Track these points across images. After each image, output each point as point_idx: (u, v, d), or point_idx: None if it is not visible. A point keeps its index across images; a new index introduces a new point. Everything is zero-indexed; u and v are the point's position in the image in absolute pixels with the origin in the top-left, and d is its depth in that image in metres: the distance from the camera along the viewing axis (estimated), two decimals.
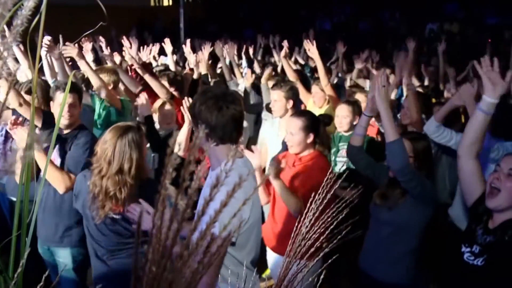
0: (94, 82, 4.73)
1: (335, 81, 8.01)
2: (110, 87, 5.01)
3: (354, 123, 4.55)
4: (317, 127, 3.70)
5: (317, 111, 5.53)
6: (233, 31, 18.04)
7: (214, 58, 9.44)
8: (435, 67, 9.91)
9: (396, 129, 3.16)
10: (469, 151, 2.67)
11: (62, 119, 3.58)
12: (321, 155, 3.73)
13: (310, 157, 3.65)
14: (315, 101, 5.79)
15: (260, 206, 2.50)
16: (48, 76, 4.98)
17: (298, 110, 4.67)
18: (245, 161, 2.46)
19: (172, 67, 7.31)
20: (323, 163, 3.65)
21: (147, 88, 5.28)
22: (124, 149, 2.90)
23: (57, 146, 3.64)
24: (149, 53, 8.13)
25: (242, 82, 6.67)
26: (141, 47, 10.75)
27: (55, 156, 3.64)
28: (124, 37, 6.80)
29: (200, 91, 2.62)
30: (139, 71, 5.34)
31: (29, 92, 4.20)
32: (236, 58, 8.27)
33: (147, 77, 5.18)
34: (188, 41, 7.63)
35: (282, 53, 6.69)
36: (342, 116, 4.64)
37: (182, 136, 3.95)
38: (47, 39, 4.58)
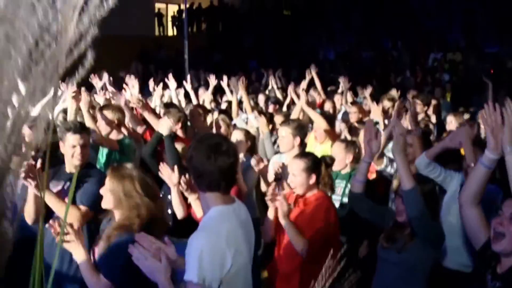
0: (88, 124, 4.80)
1: (340, 116, 8.04)
2: (114, 124, 5.05)
3: (348, 161, 4.54)
4: (319, 168, 3.73)
5: (319, 147, 5.54)
6: (237, 61, 18.22)
7: (217, 90, 9.54)
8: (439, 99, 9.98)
9: (412, 177, 3.20)
10: (470, 200, 2.71)
11: (74, 160, 3.64)
12: (325, 196, 3.76)
13: (314, 198, 3.67)
14: (316, 137, 5.78)
15: (248, 251, 2.48)
16: None
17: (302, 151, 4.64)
18: (235, 209, 2.46)
19: (176, 103, 7.35)
20: (327, 204, 3.68)
21: (150, 127, 5.31)
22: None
23: (67, 185, 3.66)
24: (153, 90, 8.19)
25: (252, 118, 6.62)
26: (145, 79, 10.91)
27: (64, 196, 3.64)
28: (128, 76, 6.81)
29: (197, 138, 2.67)
30: (140, 109, 5.39)
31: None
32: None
33: (147, 116, 5.22)
34: (188, 77, 7.71)
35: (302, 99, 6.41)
36: (336, 154, 4.60)
37: (175, 200, 3.91)
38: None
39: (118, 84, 8.83)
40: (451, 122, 6.19)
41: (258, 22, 20.43)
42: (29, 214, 3.46)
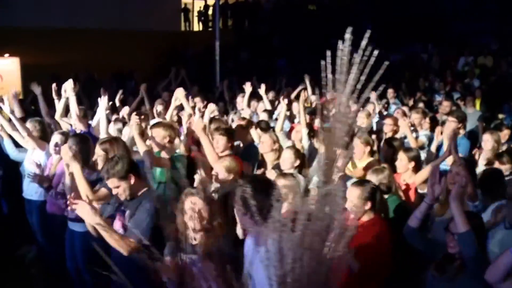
0: (141, 149, 4.94)
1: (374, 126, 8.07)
2: (166, 140, 5.16)
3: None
4: (375, 195, 3.96)
5: (358, 164, 5.58)
6: (265, 59, 18.21)
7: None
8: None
9: (467, 221, 3.31)
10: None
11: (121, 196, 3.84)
12: (381, 220, 4.00)
13: (370, 223, 3.90)
14: (354, 153, 5.78)
15: None
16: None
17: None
18: None
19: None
20: (381, 228, 3.90)
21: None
22: None
23: (123, 213, 3.82)
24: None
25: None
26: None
27: (118, 227, 3.82)
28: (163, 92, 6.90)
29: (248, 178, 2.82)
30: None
31: None
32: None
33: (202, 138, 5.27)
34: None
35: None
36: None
37: None
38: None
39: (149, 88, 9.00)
40: (488, 141, 6.04)
41: (284, 18, 20.32)
42: None
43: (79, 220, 4.81)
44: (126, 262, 3.69)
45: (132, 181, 3.77)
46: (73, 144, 4.80)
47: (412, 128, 7.25)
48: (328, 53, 1.55)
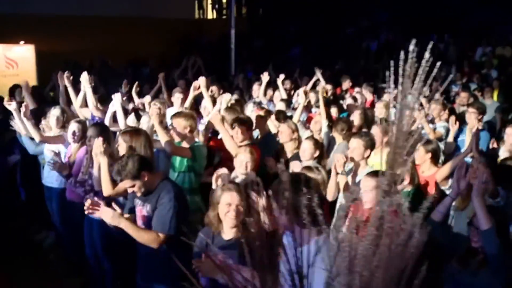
0: (162, 139, 4.97)
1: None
2: (187, 130, 5.17)
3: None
4: None
5: (374, 156, 5.53)
6: (279, 48, 18.11)
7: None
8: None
9: (490, 218, 3.31)
10: None
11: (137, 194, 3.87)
12: (395, 212, 3.84)
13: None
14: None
15: None
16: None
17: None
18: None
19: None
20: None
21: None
22: None
23: (144, 207, 3.86)
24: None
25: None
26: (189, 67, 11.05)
27: (141, 220, 3.87)
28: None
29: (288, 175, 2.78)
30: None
31: None
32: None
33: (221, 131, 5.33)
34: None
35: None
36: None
37: None
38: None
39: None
40: (510, 135, 5.91)
41: (299, 7, 20.18)
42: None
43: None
44: (154, 254, 3.73)
45: (146, 178, 3.79)
46: (93, 134, 4.83)
47: (429, 119, 7.18)
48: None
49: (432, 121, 7.26)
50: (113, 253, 4.88)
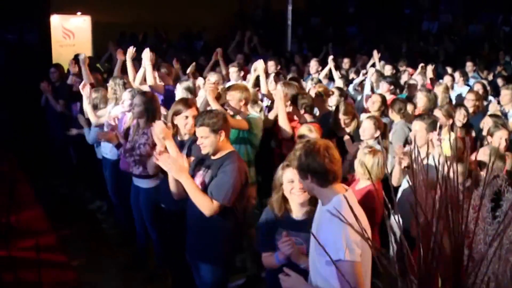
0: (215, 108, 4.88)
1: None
2: (242, 103, 5.05)
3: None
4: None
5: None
6: (336, 26, 17.70)
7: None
8: None
9: None
10: None
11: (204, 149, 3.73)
12: None
13: None
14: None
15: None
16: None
17: None
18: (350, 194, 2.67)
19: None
20: None
21: None
22: None
23: (205, 171, 3.74)
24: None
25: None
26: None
27: (199, 182, 3.73)
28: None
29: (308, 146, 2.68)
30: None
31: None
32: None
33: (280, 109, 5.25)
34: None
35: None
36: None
37: None
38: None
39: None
40: None
41: None
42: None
43: (144, 176, 4.89)
44: (205, 221, 3.62)
45: (221, 138, 3.66)
46: (141, 102, 4.78)
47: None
48: None
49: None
50: (160, 223, 4.80)
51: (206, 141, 3.65)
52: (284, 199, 3.21)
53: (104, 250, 5.92)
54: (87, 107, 5.97)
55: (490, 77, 10.80)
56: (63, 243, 5.63)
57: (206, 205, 3.53)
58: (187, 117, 4.34)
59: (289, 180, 3.13)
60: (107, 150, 5.87)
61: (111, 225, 6.66)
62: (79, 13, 14.00)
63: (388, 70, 9.32)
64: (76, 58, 7.85)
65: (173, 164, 3.50)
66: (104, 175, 6.18)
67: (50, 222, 4.87)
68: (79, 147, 7.06)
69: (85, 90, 5.90)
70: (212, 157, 3.75)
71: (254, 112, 5.35)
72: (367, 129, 4.93)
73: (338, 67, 9.07)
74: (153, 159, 3.69)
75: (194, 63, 8.24)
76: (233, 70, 7.01)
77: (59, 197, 7.62)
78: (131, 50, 6.68)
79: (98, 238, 6.35)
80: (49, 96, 7.58)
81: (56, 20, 12.61)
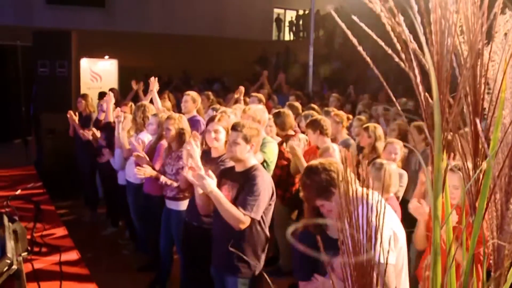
0: None
1: None
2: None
3: None
4: None
5: None
6: (356, 69, 17.89)
7: None
8: None
9: None
10: None
11: (230, 152, 3.79)
12: None
13: None
14: None
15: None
16: None
17: None
18: None
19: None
20: None
21: None
22: None
23: (230, 185, 3.79)
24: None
25: None
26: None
27: (225, 195, 3.69)
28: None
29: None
30: None
31: None
32: None
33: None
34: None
35: None
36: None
37: None
38: None
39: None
40: None
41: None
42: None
43: (176, 199, 5.01)
44: (234, 234, 3.62)
45: (251, 149, 3.72)
46: (171, 126, 4.98)
47: None
48: None
49: None
50: (189, 243, 4.84)
51: (233, 148, 3.70)
52: None
53: (125, 275, 5.97)
54: (121, 132, 6.13)
55: None
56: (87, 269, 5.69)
57: (236, 218, 3.52)
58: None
59: None
60: (130, 174, 5.97)
61: (132, 250, 6.72)
62: (106, 56, 14.46)
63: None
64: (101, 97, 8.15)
65: (203, 178, 3.51)
66: (127, 200, 6.30)
67: (73, 241, 4.95)
68: (105, 175, 7.23)
69: (118, 117, 6.12)
70: (237, 170, 3.80)
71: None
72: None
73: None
74: (184, 173, 3.71)
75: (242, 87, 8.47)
76: (252, 100, 7.16)
77: (82, 223, 7.80)
78: (152, 80, 6.94)
79: (119, 261, 6.45)
80: (75, 125, 7.79)
81: (85, 64, 13.01)
